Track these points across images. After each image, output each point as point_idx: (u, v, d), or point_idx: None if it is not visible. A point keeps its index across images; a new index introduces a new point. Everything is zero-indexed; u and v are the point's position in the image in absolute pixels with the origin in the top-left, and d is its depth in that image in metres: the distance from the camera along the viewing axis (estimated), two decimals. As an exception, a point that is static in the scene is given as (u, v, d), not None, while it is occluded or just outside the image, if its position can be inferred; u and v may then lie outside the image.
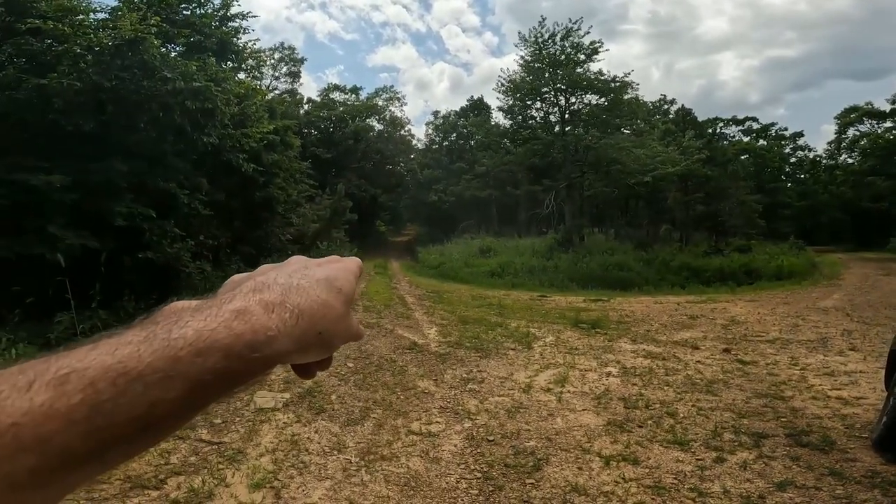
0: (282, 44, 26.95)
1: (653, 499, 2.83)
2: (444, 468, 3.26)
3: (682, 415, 4.03)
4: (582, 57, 20.01)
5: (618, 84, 20.27)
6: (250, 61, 14.84)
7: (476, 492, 2.98)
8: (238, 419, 3.93)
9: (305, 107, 29.70)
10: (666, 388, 4.72)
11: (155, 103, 7.21)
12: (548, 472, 3.18)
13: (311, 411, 4.16)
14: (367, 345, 6.26)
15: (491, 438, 3.67)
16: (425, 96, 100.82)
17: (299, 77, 27.90)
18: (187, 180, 8.24)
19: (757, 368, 5.30)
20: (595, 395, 4.52)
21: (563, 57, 19.96)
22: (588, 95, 20.89)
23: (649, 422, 3.90)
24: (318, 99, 30.74)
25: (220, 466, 3.21)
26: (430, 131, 31.24)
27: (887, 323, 7.41)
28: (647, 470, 3.16)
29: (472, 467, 3.27)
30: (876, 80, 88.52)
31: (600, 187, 22.41)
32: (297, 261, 0.41)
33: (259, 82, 21.93)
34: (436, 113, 31.66)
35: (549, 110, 21.65)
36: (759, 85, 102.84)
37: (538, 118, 22.09)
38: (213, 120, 8.17)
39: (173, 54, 8.71)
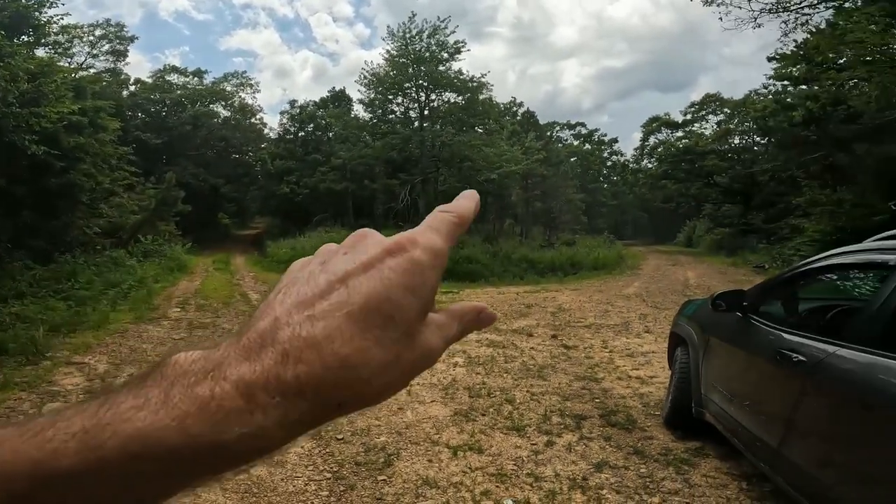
0: (107, 20, 22.96)
1: (497, 486, 3.05)
2: (290, 471, 3.18)
3: (518, 401, 4.44)
4: (445, 55, 20.72)
5: (475, 84, 21.44)
6: (60, 37, 12.51)
7: (326, 493, 2.96)
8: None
9: (132, 88, 26.16)
10: (505, 375, 5.18)
11: None
12: (399, 466, 3.28)
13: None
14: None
15: (340, 437, 3.67)
16: (285, 84, 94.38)
17: (125, 56, 24.14)
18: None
19: (577, 352, 6.09)
20: (443, 386, 4.77)
21: (427, 54, 20.43)
22: (447, 93, 21.74)
23: (491, 409, 4.23)
24: (150, 80, 27.05)
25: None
26: (285, 121, 29.56)
27: (673, 307, 9.12)
28: (490, 458, 3.39)
29: (322, 468, 3.24)
30: (680, 91, 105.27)
31: (453, 183, 23.59)
32: (333, 261, 0.29)
33: (69, 60, 18.61)
34: (292, 102, 29.89)
35: (410, 106, 22.06)
36: (592, 92, 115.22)
37: (398, 113, 22.37)
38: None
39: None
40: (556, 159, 30.44)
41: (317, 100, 29.62)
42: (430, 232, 0.30)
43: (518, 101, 33.92)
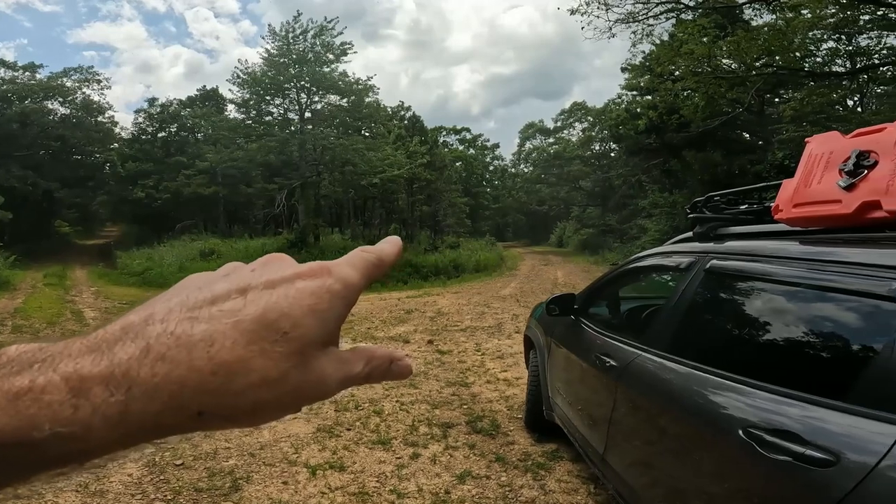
0: None
1: None
2: (110, 501, 2.81)
3: (387, 412, 4.33)
4: (331, 56, 19.99)
5: (361, 87, 21.00)
6: None
7: None
8: None
9: None
10: (376, 385, 5.06)
11: None
12: (248, 490, 3.02)
13: None
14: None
15: (179, 462, 3.32)
16: (150, 81, 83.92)
17: None
18: None
19: (451, 357, 6.17)
20: (307, 403, 4.56)
21: (311, 55, 19.54)
22: (331, 95, 21.05)
23: (357, 423, 4.08)
24: None
25: None
26: (141, 120, 26.35)
27: (540, 304, 9.84)
28: (352, 476, 3.24)
29: (153, 497, 2.90)
30: (558, 99, 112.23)
31: (335, 187, 22.94)
32: (237, 274, 0.26)
33: None
34: (151, 100, 26.68)
35: (290, 107, 21.01)
36: (481, 98, 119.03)
37: (276, 114, 21.17)
38: None
39: None
40: (440, 163, 31.16)
41: (182, 98, 26.95)
42: (347, 266, 0.28)
43: (406, 104, 34.06)
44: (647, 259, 2.62)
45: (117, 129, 27.94)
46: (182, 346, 0.23)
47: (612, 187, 27.01)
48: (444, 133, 48.35)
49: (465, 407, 4.47)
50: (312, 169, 20.81)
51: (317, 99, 21.02)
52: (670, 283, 2.29)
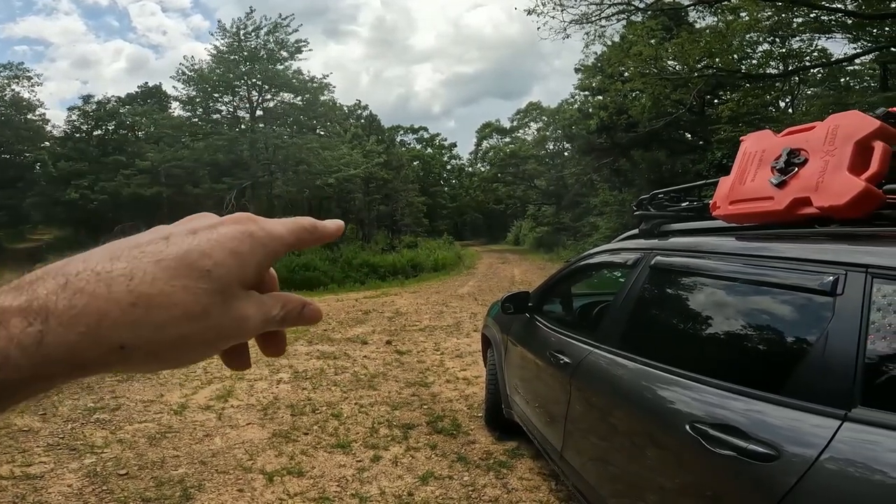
0: None
1: None
2: None
3: (346, 415, 4.26)
4: (285, 54, 19.46)
5: (316, 85, 20.52)
6: None
7: None
8: None
9: None
10: (334, 388, 4.97)
11: None
12: (200, 499, 2.91)
13: None
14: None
15: (123, 472, 3.17)
16: (87, 76, 78.40)
17: None
18: None
19: (410, 357, 6.14)
20: (262, 407, 4.40)
21: (263, 52, 18.93)
22: (284, 93, 20.45)
23: (315, 427, 4.00)
24: None
25: None
26: (75, 118, 24.78)
27: (498, 301, 9.94)
28: (311, 481, 3.18)
29: None
30: (518, 99, 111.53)
31: (289, 187, 22.33)
32: (159, 228, 0.27)
33: None
34: (86, 97, 25.06)
35: (240, 105, 20.27)
36: (442, 97, 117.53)
37: (225, 112, 20.41)
38: None
39: None
40: (397, 163, 30.93)
41: (122, 95, 25.50)
42: (276, 222, 0.29)
43: (363, 103, 33.62)
44: (597, 256, 2.66)
45: (48, 127, 26.25)
46: (101, 280, 0.23)
47: (566, 186, 27.68)
48: (402, 132, 48.14)
49: (425, 407, 4.45)
50: (264, 168, 20.19)
51: (269, 97, 20.47)
52: (620, 280, 2.32)
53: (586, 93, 23.18)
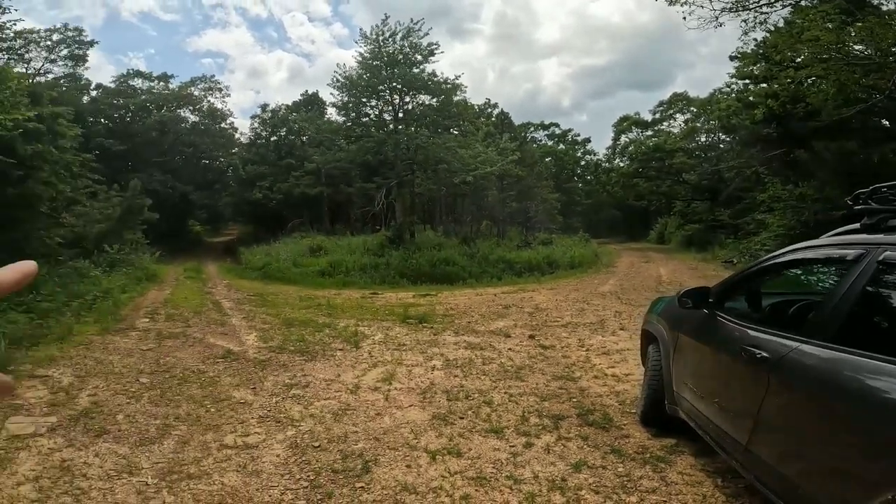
0: (65, 25, 22.48)
1: (476, 490, 3.00)
2: (265, 481, 3.11)
3: (497, 402, 4.40)
4: (419, 57, 20.64)
5: (449, 86, 21.43)
6: (14, 42, 12.23)
7: (303, 502, 2.90)
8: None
9: (94, 93, 25.76)
10: (483, 377, 5.16)
11: None
12: (377, 473, 3.22)
13: (89, 434, 3.64)
14: (169, 357, 5.66)
15: (317, 444, 3.60)
16: (258, 86, 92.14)
17: (85, 60, 23.68)
18: None
19: (554, 352, 6.12)
20: (420, 391, 4.72)
21: (400, 56, 20.32)
22: (421, 95, 21.67)
23: (469, 412, 4.19)
24: (113, 85, 26.46)
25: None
26: (257, 125, 29.18)
27: (646, 304, 9.26)
28: (469, 461, 3.32)
29: (298, 476, 3.17)
30: (658, 90, 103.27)
31: (429, 185, 23.60)
32: None
33: (25, 66, 18.17)
34: (264, 106, 29.56)
35: (384, 108, 21.90)
36: (571, 91, 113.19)
37: (372, 116, 22.18)
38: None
39: None
40: (530, 160, 30.73)
41: (288, 103, 29.33)
42: None
43: (493, 102, 34.16)
44: (795, 253, 2.55)
45: (236, 135, 31.15)
46: None
47: (723, 180, 24.85)
48: (532, 129, 47.60)
49: (574, 400, 4.44)
50: (407, 168, 21.57)
51: (408, 99, 21.71)
52: (833, 277, 2.25)
53: (746, 81, 20.74)
